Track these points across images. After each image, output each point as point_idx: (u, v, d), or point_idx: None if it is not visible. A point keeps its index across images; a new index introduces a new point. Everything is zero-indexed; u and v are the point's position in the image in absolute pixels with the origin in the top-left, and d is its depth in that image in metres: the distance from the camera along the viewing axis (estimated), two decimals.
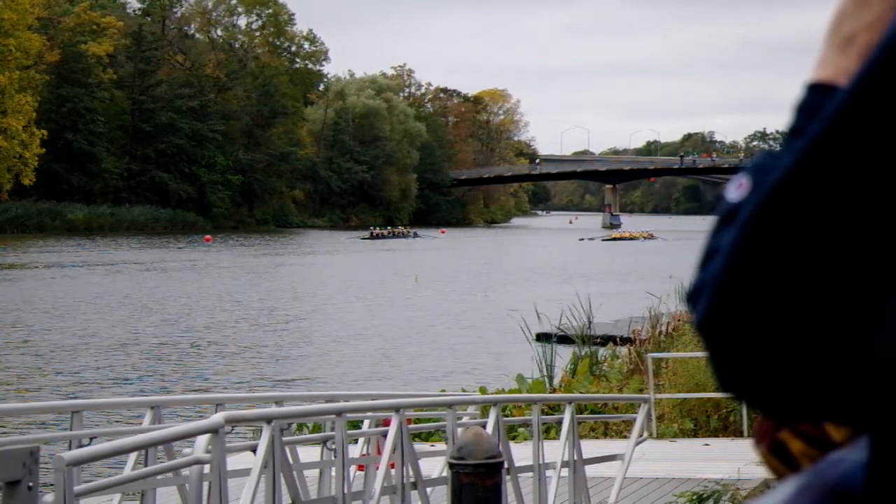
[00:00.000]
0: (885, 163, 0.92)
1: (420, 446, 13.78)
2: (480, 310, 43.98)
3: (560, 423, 12.45)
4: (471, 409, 13.14)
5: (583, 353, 23.23)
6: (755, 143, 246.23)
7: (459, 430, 10.39)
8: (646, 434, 14.25)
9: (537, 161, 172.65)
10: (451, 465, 8.85)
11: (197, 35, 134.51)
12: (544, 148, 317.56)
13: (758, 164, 0.99)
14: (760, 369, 0.96)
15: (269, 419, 8.19)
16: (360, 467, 11.37)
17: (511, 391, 19.80)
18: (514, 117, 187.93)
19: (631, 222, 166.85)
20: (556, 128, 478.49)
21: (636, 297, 31.01)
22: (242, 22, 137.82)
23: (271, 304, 46.04)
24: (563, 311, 25.83)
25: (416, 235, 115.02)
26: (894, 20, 0.96)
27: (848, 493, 1.03)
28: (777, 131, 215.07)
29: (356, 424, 12.04)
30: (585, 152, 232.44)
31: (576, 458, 11.94)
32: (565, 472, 11.91)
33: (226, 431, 7.45)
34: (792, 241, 0.94)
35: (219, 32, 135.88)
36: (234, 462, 9.21)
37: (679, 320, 23.01)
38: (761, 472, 12.86)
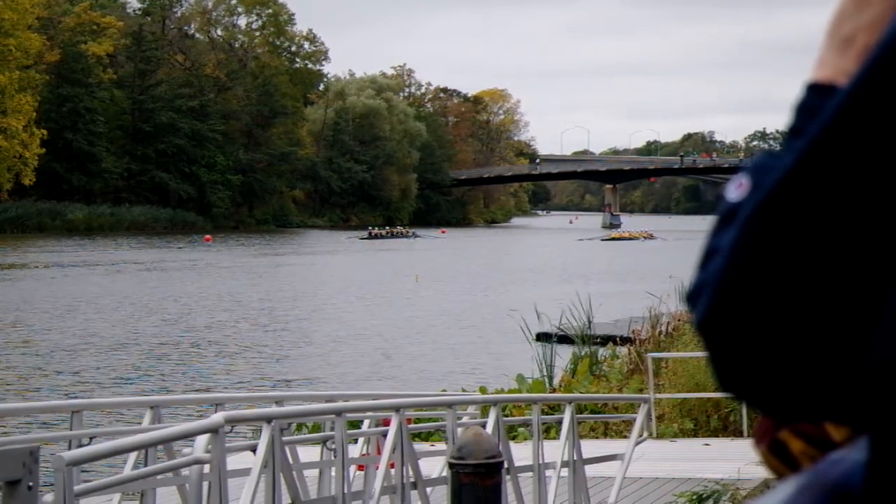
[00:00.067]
0: (885, 163, 0.92)
1: (420, 446, 13.78)
2: (480, 310, 43.98)
3: (560, 423, 12.45)
4: (471, 409, 13.13)
5: (583, 353, 23.22)
6: (755, 142, 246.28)
7: (459, 430, 10.39)
8: (646, 434, 14.25)
9: (537, 161, 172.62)
10: (451, 465, 8.85)
11: (197, 35, 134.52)
12: (544, 148, 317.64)
13: (757, 164, 0.99)
14: (760, 369, 0.96)
15: (269, 419, 8.19)
16: (360, 467, 11.37)
17: (511, 391, 19.80)
18: (514, 117, 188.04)
19: (631, 222, 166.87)
20: (556, 128, 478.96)
21: (636, 297, 31.00)
22: (242, 22, 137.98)
23: (271, 304, 46.03)
24: (563, 311, 25.82)
25: (415, 235, 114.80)
26: (894, 20, 0.96)
27: (848, 493, 1.03)
28: (777, 131, 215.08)
29: (356, 424, 12.04)
30: (585, 152, 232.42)
31: (576, 457, 11.94)
32: (565, 471, 11.91)
33: (226, 431, 7.45)
34: (792, 241, 0.94)
35: (219, 32, 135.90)
36: (234, 462, 9.21)
37: (679, 320, 22.99)
38: (761, 472, 12.87)
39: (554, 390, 20.64)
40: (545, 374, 22.39)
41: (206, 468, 7.10)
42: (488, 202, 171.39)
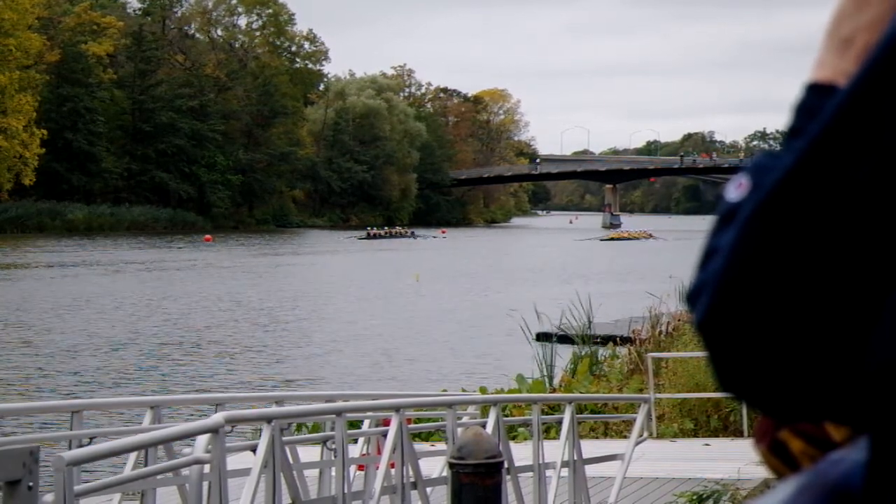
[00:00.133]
0: (885, 163, 0.92)
1: (420, 446, 13.78)
2: (480, 310, 43.98)
3: (560, 422, 12.45)
4: (471, 409, 13.13)
5: (583, 352, 23.22)
6: (755, 142, 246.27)
7: (459, 429, 10.39)
8: (646, 434, 14.25)
9: (537, 161, 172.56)
10: (451, 465, 8.85)
11: (197, 35, 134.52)
12: (544, 148, 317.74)
13: (757, 164, 0.99)
14: (760, 369, 0.96)
15: (269, 419, 8.19)
16: (360, 467, 11.37)
17: (511, 391, 19.80)
18: (514, 117, 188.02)
19: (631, 222, 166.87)
20: (556, 128, 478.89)
21: (636, 297, 31.01)
22: (242, 22, 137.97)
23: (271, 304, 46.03)
24: (563, 311, 25.83)
25: (414, 235, 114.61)
26: (894, 20, 0.96)
27: (848, 492, 1.03)
28: (777, 131, 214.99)
29: (356, 424, 12.04)
30: (585, 152, 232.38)
31: (576, 457, 11.94)
32: (565, 471, 11.91)
33: (226, 431, 7.45)
34: (791, 240, 0.94)
35: (219, 32, 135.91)
36: (234, 462, 9.21)
37: (679, 320, 22.99)
38: (761, 472, 12.87)
39: (554, 390, 20.64)
40: (545, 374, 22.39)
41: (207, 468, 7.10)
42: (488, 202, 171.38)
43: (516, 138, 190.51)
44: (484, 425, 10.58)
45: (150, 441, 7.74)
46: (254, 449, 8.49)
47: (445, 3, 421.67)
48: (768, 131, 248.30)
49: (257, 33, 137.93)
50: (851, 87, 0.95)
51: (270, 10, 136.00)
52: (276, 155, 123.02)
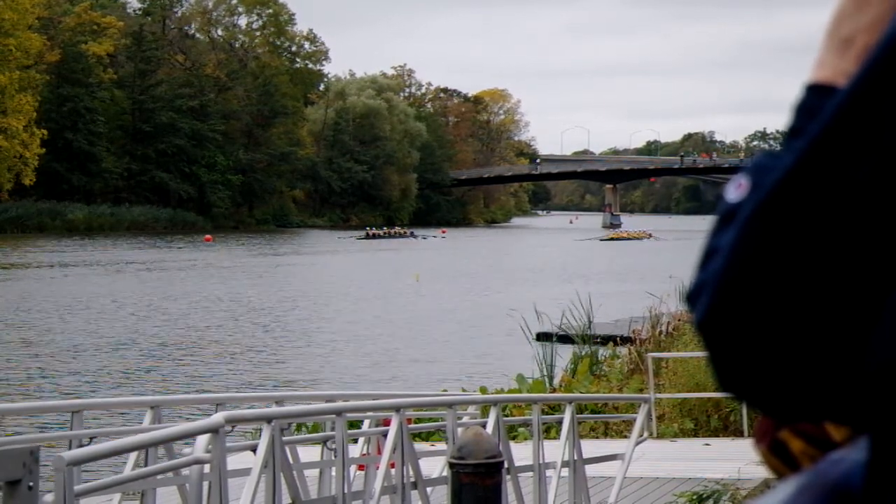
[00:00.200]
0: (885, 163, 0.92)
1: (420, 446, 13.78)
2: (480, 310, 43.98)
3: (560, 422, 12.45)
4: (471, 409, 13.13)
5: (583, 352, 23.22)
6: (755, 142, 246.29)
7: (459, 429, 10.39)
8: (646, 434, 14.25)
9: (537, 161, 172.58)
10: (451, 465, 8.85)
11: (197, 35, 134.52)
12: (544, 148, 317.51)
13: (757, 164, 0.99)
14: (760, 369, 0.96)
15: (269, 419, 8.19)
16: (361, 467, 11.37)
17: (511, 391, 19.80)
18: (514, 117, 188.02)
19: (631, 222, 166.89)
20: (556, 128, 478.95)
21: (636, 297, 31.01)
22: (243, 22, 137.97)
23: (271, 304, 46.04)
24: (563, 311, 25.83)
25: (413, 235, 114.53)
26: (894, 20, 0.96)
27: (848, 492, 1.03)
28: (777, 131, 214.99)
29: (356, 424, 12.04)
30: (585, 152, 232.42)
31: (576, 457, 11.94)
32: (565, 471, 11.91)
33: (226, 431, 7.45)
34: (791, 241, 0.94)
35: (219, 32, 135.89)
36: (234, 462, 9.21)
37: (679, 320, 22.98)
38: (761, 472, 12.87)
39: (554, 390, 20.63)
40: (545, 374, 22.39)
41: (207, 468, 7.10)
42: (488, 202, 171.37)
43: (516, 138, 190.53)
44: (484, 425, 10.58)
45: (150, 441, 7.74)
46: (254, 449, 8.49)
47: (445, 3, 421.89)
48: (768, 131, 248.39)
49: (257, 33, 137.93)
50: (851, 88, 0.95)
51: (270, 10, 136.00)
52: (277, 155, 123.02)
